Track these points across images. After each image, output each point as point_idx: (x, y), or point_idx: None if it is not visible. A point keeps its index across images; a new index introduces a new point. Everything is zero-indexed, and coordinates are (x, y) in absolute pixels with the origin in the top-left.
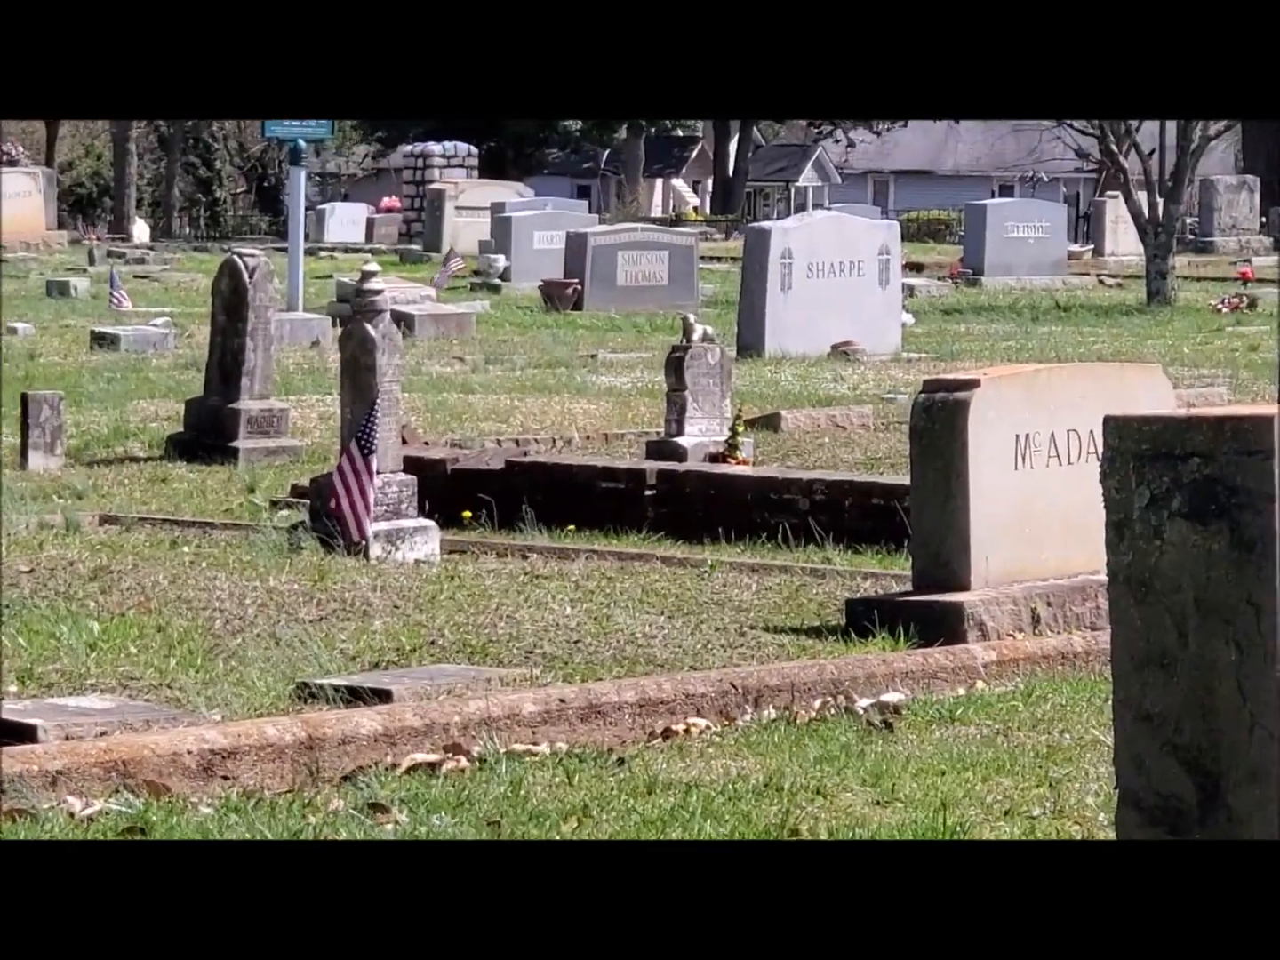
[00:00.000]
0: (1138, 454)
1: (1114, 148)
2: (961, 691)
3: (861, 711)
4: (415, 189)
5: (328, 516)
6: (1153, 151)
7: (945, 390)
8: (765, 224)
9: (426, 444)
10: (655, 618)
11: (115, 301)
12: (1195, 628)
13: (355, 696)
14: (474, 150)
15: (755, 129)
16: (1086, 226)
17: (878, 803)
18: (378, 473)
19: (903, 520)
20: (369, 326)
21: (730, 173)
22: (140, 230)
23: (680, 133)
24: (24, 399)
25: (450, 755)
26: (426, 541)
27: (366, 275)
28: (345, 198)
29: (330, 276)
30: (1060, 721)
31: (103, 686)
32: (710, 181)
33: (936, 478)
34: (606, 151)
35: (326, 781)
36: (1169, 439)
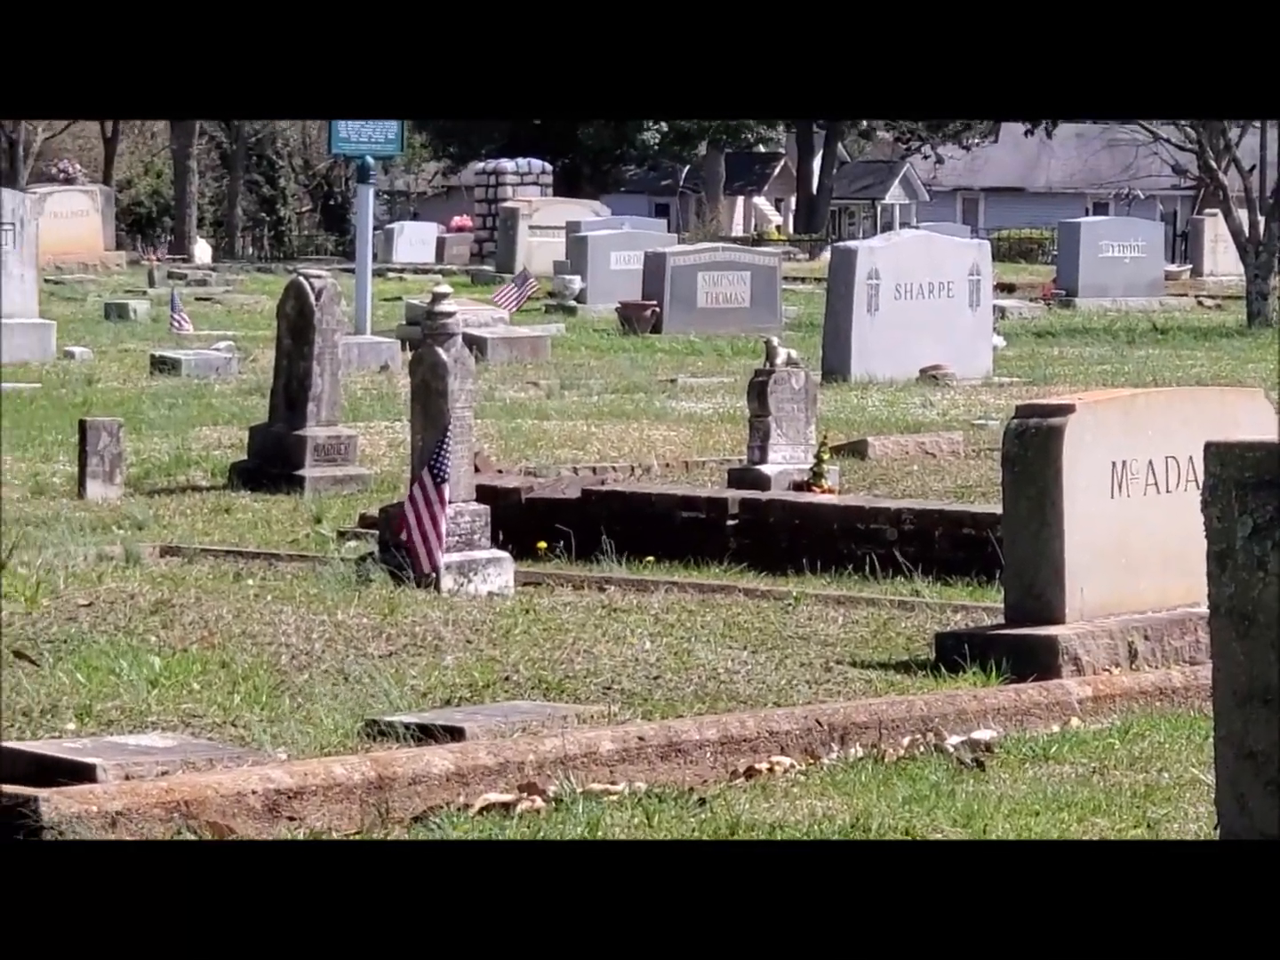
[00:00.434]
0: (1240, 481)
1: (1213, 163)
2: (1056, 729)
3: (952, 749)
4: (487, 207)
5: (397, 548)
6: (1253, 168)
7: (1039, 415)
8: (851, 243)
9: (500, 472)
10: (738, 652)
11: (176, 324)
12: None
13: (426, 734)
14: (548, 167)
15: (840, 145)
16: (1184, 245)
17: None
18: (450, 502)
19: (994, 550)
20: (440, 350)
21: (814, 190)
22: (202, 251)
23: (762, 149)
24: (82, 426)
25: (525, 795)
26: (500, 573)
27: (437, 297)
28: (415, 217)
29: (399, 298)
30: (1158, 760)
31: (164, 724)
32: (793, 199)
33: (1030, 506)
34: (685, 168)
35: (396, 822)
36: (1273, 466)
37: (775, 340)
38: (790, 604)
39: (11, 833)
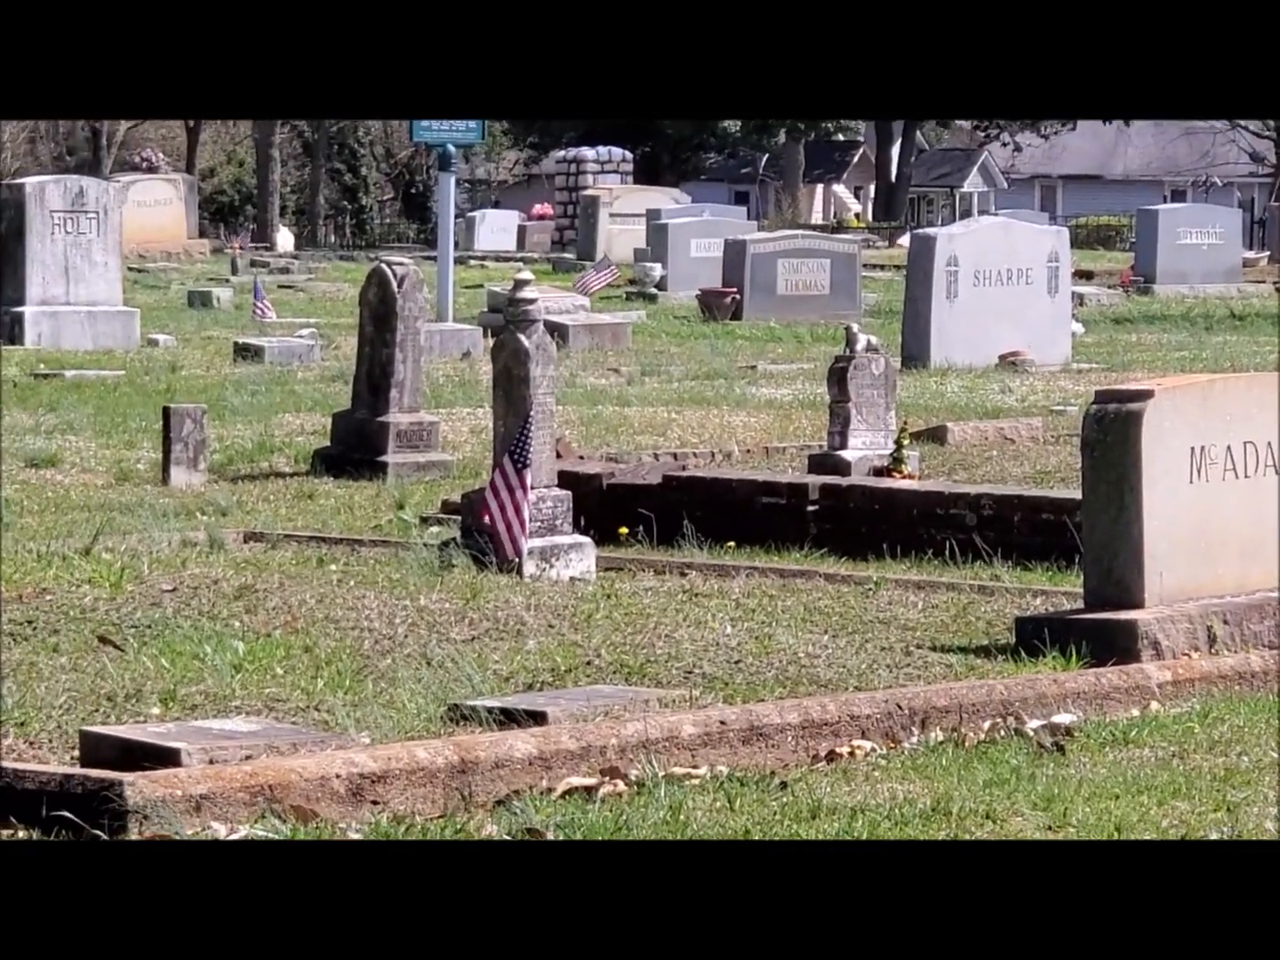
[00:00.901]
0: None
1: None
2: (1135, 713)
3: (1032, 733)
4: (568, 195)
5: (480, 533)
6: None
7: (1118, 401)
8: (930, 230)
9: (581, 458)
10: (818, 636)
11: (259, 312)
12: None
13: (509, 718)
14: (629, 155)
15: (919, 132)
16: (1262, 232)
17: (1049, 827)
18: (532, 488)
19: (1073, 536)
20: (522, 337)
21: (893, 178)
22: (284, 239)
23: (841, 137)
24: (166, 413)
25: (607, 779)
26: (582, 558)
27: (519, 284)
28: (496, 205)
29: (481, 286)
30: (1238, 743)
31: (248, 708)
32: (872, 187)
33: (1109, 491)
34: (765, 156)
35: (479, 806)
36: None
37: (855, 327)
38: (871, 589)
39: (97, 816)
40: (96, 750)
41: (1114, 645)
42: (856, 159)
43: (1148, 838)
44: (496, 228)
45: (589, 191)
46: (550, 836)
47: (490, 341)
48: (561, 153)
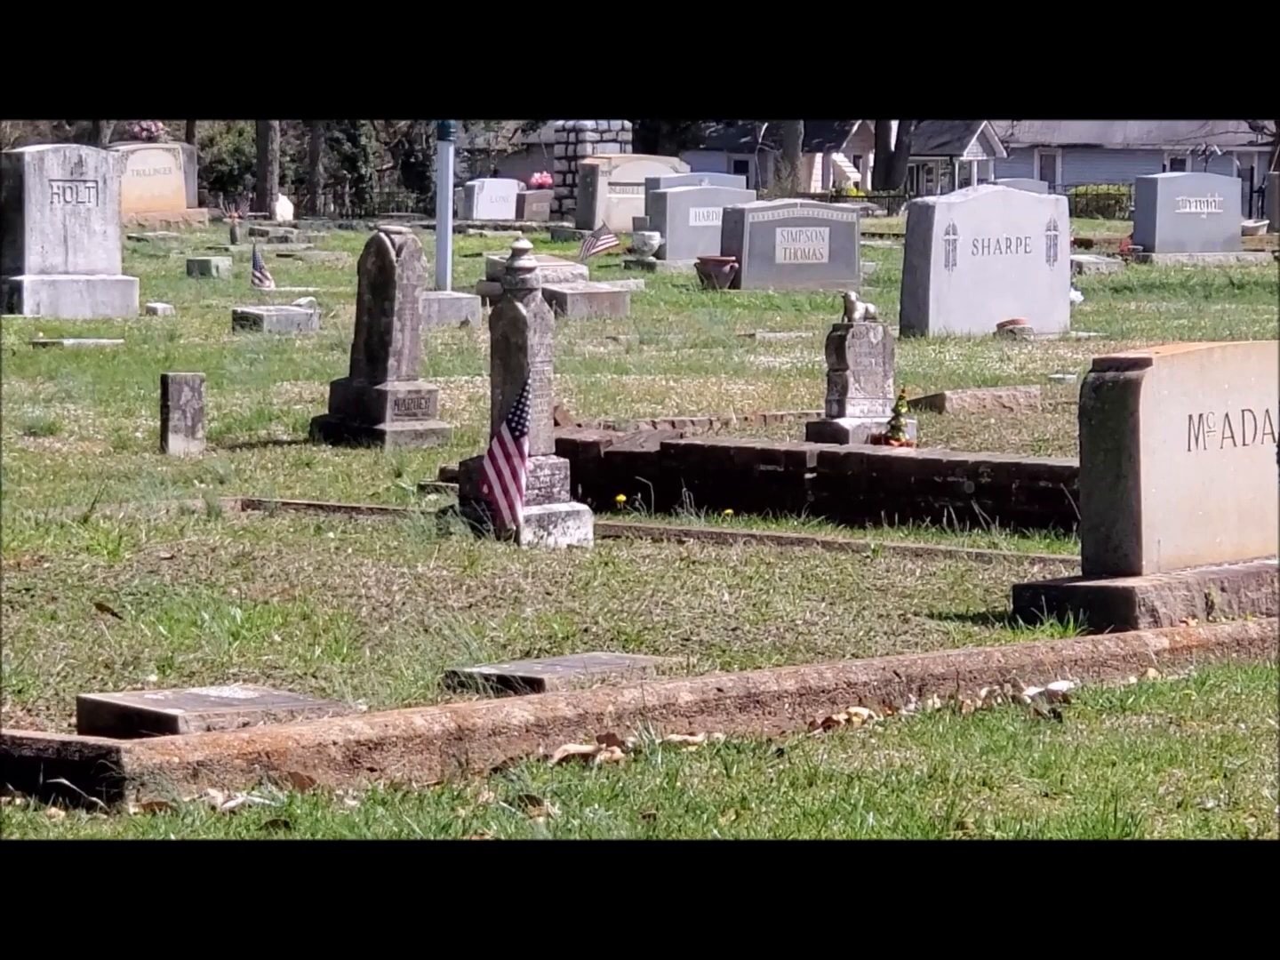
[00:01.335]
0: None
1: None
2: (1133, 680)
3: (1029, 700)
4: (567, 164)
5: (477, 501)
6: None
7: (1116, 369)
8: (929, 199)
9: (579, 426)
10: (816, 604)
11: (257, 281)
12: None
13: (506, 685)
14: (627, 124)
15: None
16: (1261, 201)
17: (1046, 794)
18: (529, 456)
19: (1071, 503)
20: (520, 305)
21: (892, 147)
22: (283, 208)
23: None
24: (164, 381)
25: (604, 746)
26: (579, 526)
27: (517, 253)
28: (495, 174)
29: (479, 254)
30: (1235, 711)
31: (245, 676)
32: (871, 156)
33: (1107, 459)
34: (764, 125)
35: (476, 773)
36: None
37: (854, 295)
38: (868, 556)
39: (94, 783)
40: (94, 717)
41: (1111, 613)
42: (856, 128)
43: (1144, 804)
44: (495, 196)
45: (588, 160)
46: (547, 803)
47: (488, 310)
48: (560, 122)
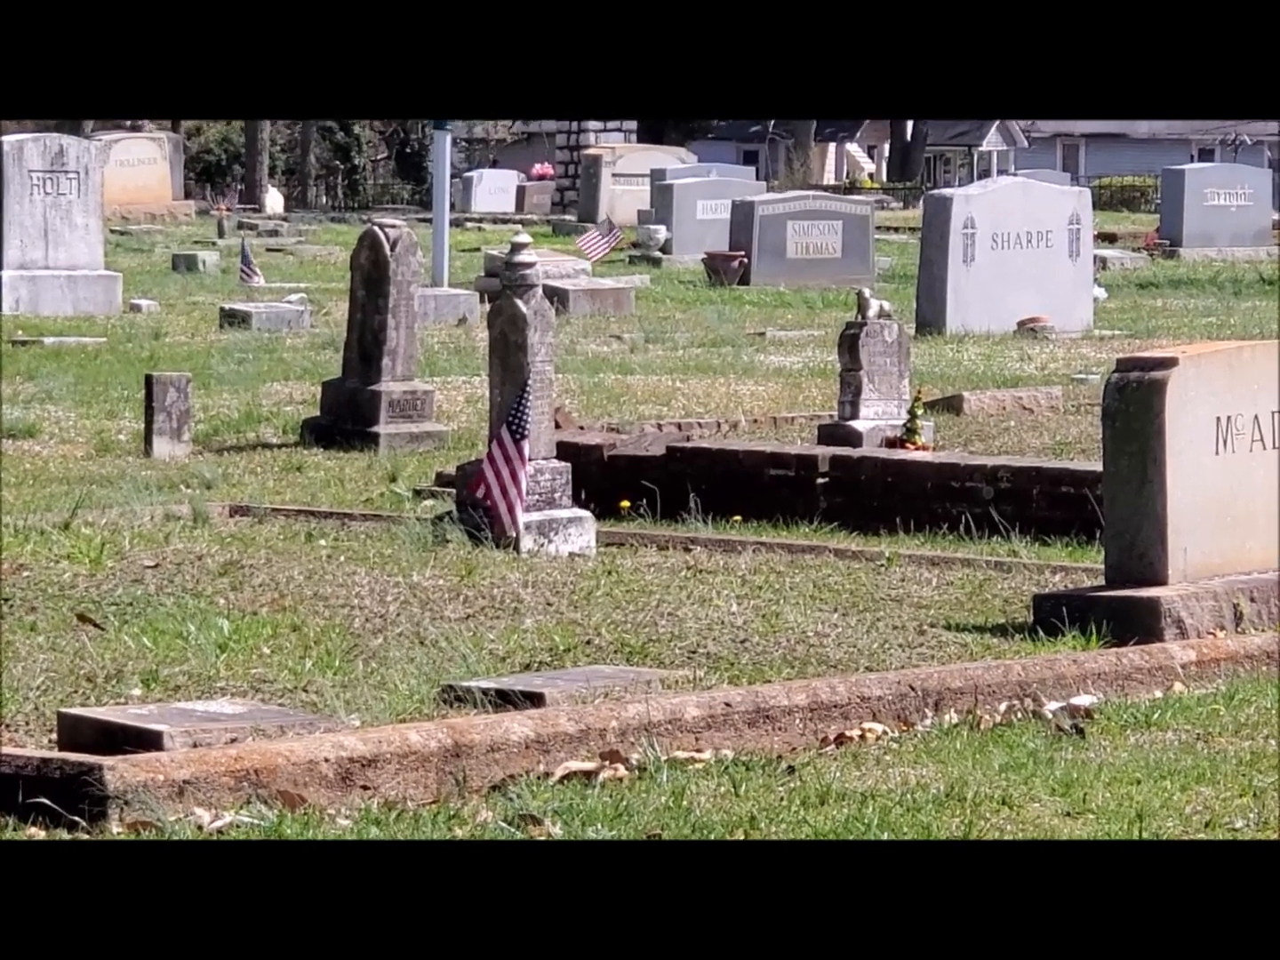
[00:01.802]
0: None
1: None
2: (1158, 694)
3: (1050, 716)
4: (569, 155)
5: (475, 507)
6: None
7: (1140, 369)
8: (946, 191)
9: (581, 428)
10: (828, 615)
11: (246, 276)
12: None
13: (505, 700)
14: None
15: None
16: None
17: (1068, 814)
18: (530, 459)
19: (1094, 509)
20: (520, 302)
21: (908, 137)
22: (273, 200)
23: None
24: (148, 381)
25: (607, 763)
26: (582, 533)
27: (517, 247)
28: (494, 164)
29: (478, 249)
30: (1265, 726)
31: (233, 690)
32: (887, 146)
33: (1131, 463)
34: None
35: (474, 791)
36: None
37: (867, 292)
38: (883, 565)
39: (75, 801)
40: (75, 733)
41: (1136, 624)
42: None
43: (1170, 824)
44: (494, 188)
45: (591, 151)
46: (548, 823)
47: (487, 307)
48: None
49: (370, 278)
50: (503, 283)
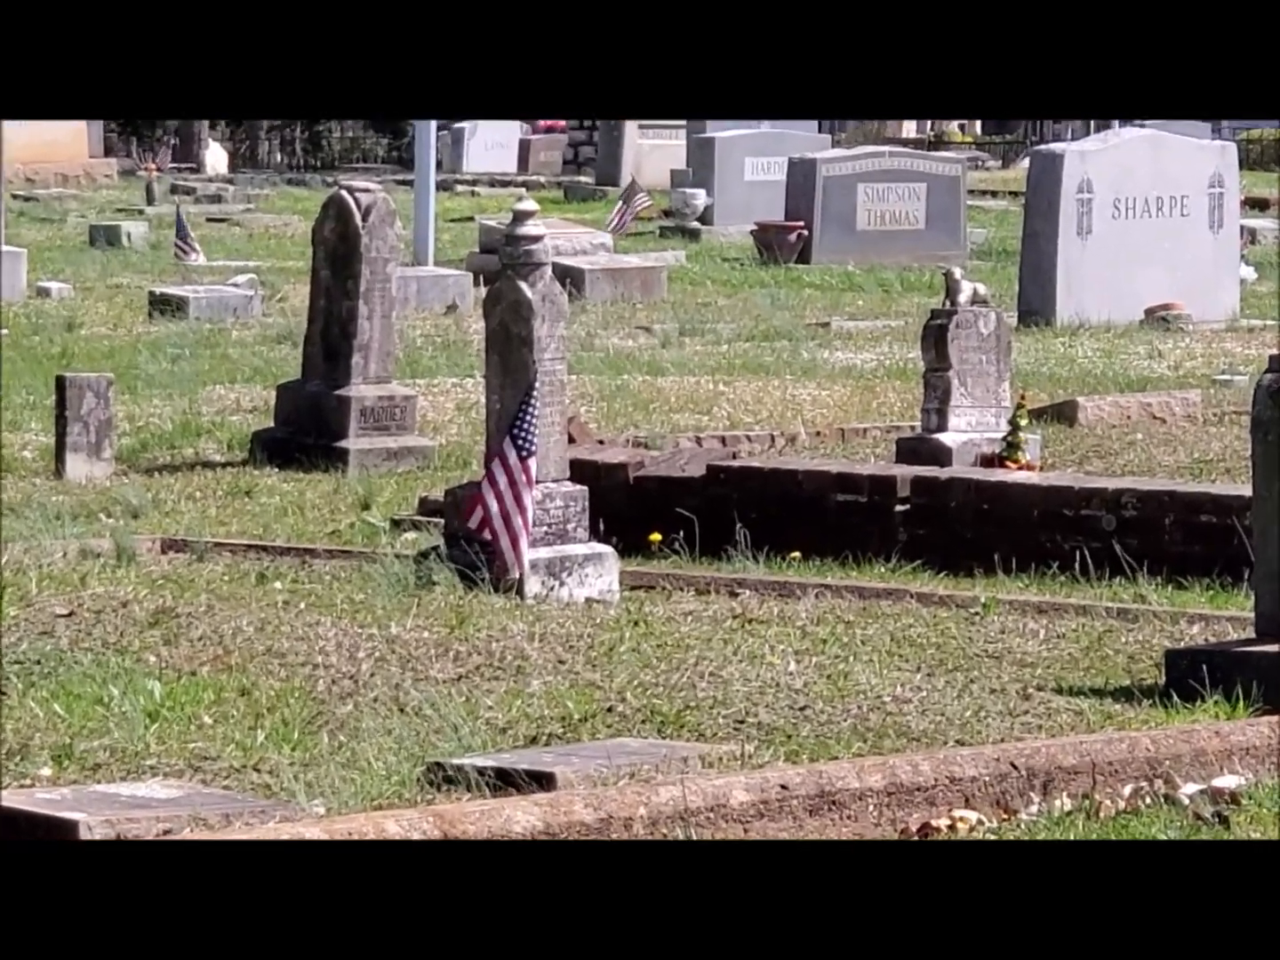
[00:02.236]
0: None
1: None
2: None
3: (1187, 801)
4: None
5: (469, 540)
6: None
7: None
8: (1057, 146)
9: (601, 443)
10: (909, 675)
11: (182, 253)
12: None
13: (506, 782)
14: None
15: None
16: None
17: None
18: (537, 482)
19: (1241, 544)
20: (524, 285)
21: None
22: (215, 158)
23: None
24: (60, 384)
25: None
26: (601, 574)
27: (520, 216)
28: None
29: (471, 219)
30: None
31: (167, 769)
32: None
33: None
34: None
35: None
36: None
37: (958, 272)
38: (977, 613)
39: None
40: None
41: None
42: None
43: None
44: (491, 143)
45: None
46: None
47: (482, 291)
48: None
49: (336, 255)
50: (502, 261)
